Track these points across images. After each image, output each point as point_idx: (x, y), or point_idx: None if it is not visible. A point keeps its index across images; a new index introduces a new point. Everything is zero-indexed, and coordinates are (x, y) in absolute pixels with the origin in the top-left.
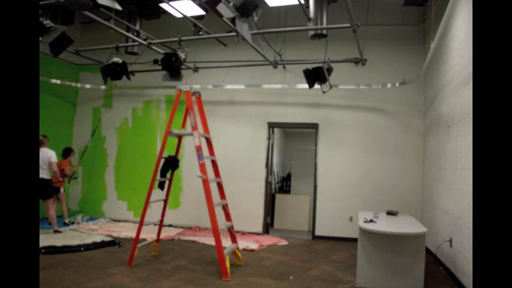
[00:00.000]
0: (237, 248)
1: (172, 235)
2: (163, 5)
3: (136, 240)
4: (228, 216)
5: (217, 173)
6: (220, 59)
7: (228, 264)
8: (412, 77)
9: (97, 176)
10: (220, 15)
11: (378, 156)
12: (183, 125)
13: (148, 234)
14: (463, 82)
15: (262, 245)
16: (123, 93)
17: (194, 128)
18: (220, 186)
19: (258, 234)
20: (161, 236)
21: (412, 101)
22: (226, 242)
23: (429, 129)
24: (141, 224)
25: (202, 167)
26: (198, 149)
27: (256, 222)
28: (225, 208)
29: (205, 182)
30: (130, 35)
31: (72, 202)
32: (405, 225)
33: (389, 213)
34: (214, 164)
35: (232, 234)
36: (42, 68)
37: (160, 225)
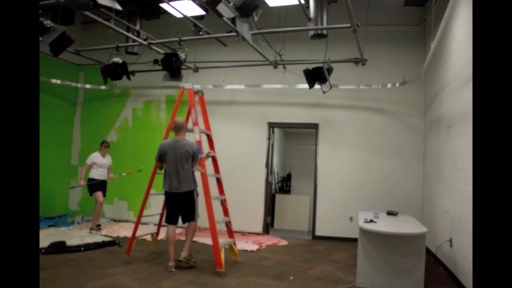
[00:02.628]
0: (234, 243)
1: None
2: (164, 5)
3: (136, 227)
4: (226, 212)
5: (216, 169)
6: (221, 59)
7: (223, 256)
8: (412, 77)
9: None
10: (221, 15)
11: (378, 156)
12: (186, 122)
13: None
14: (463, 82)
15: (262, 245)
16: (123, 93)
17: (195, 124)
18: (219, 182)
19: (258, 234)
20: (161, 236)
21: (412, 101)
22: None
23: (429, 129)
24: (141, 211)
25: (201, 161)
26: (198, 144)
27: (256, 222)
28: (223, 203)
29: (204, 176)
30: (130, 35)
31: (72, 202)
32: (405, 225)
33: (389, 213)
34: (214, 160)
35: (230, 229)
36: (42, 68)
37: (161, 218)
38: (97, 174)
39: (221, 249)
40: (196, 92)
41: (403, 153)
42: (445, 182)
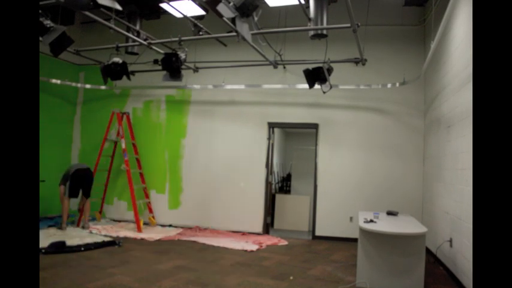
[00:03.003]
0: (153, 217)
1: (172, 235)
2: (164, 5)
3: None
4: (146, 196)
5: (139, 167)
6: (221, 59)
7: (141, 223)
8: (412, 77)
9: (96, 176)
10: (221, 16)
11: (378, 156)
12: (118, 134)
13: (149, 234)
14: (463, 82)
15: (262, 245)
16: (123, 93)
17: (122, 137)
18: (141, 175)
19: (258, 234)
20: (161, 236)
21: (412, 101)
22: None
23: (429, 129)
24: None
25: (126, 162)
26: (124, 150)
27: (256, 222)
28: (144, 190)
29: (128, 172)
30: (130, 35)
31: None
32: (405, 225)
33: (389, 213)
34: (138, 161)
35: (149, 207)
36: (42, 68)
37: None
38: None
39: (140, 220)
40: (123, 113)
41: (403, 153)
42: (445, 182)
